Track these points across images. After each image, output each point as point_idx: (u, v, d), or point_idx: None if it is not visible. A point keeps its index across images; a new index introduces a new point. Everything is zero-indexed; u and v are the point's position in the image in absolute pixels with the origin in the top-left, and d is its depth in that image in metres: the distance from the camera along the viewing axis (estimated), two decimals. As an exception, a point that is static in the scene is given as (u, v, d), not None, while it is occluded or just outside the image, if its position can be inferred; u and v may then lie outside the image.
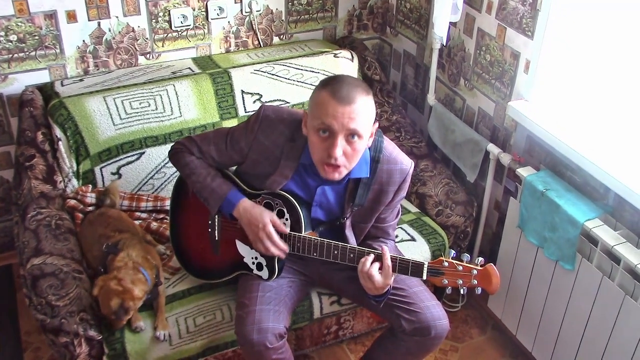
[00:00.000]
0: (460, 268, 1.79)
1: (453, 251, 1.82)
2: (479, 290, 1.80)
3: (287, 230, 1.95)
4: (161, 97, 2.59)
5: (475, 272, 1.78)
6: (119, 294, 1.97)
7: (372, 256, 1.86)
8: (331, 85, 1.78)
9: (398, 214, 2.12)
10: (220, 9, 2.85)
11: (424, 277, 1.83)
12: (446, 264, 1.80)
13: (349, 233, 2.04)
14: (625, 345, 2.03)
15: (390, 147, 1.98)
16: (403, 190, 2.02)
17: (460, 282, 1.80)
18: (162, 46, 2.83)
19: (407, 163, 2.00)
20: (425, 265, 1.82)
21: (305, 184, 1.98)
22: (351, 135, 1.77)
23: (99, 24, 2.66)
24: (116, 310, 1.97)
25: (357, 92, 1.77)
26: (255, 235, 1.95)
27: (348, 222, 2.02)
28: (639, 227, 2.06)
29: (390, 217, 2.08)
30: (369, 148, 1.92)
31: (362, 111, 1.76)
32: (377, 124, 1.87)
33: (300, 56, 2.86)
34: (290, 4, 2.99)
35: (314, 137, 1.80)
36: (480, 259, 1.80)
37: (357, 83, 1.82)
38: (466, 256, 1.80)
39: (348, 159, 1.81)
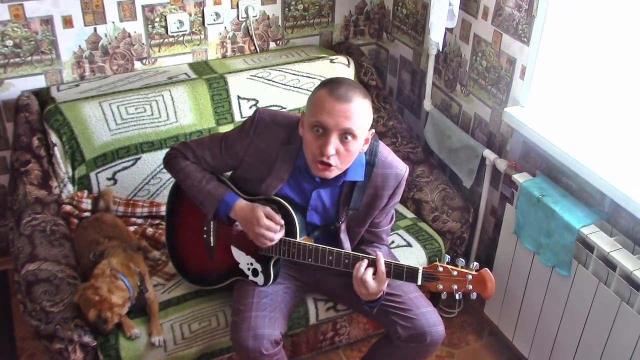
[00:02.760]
0: (455, 273, 1.79)
1: (448, 256, 1.82)
2: (474, 296, 1.80)
3: (282, 221, 1.93)
4: (157, 102, 2.58)
5: (470, 277, 1.78)
6: (96, 303, 1.96)
7: (366, 261, 1.86)
8: (330, 84, 1.80)
9: (392, 219, 2.12)
10: (217, 14, 2.85)
11: (419, 283, 1.83)
12: (441, 269, 1.80)
13: (344, 237, 2.03)
14: (622, 352, 2.03)
15: (385, 152, 1.98)
16: (397, 195, 2.02)
17: (455, 287, 1.79)
18: (159, 51, 2.83)
19: (402, 168, 2.00)
20: (420, 271, 1.81)
21: (300, 187, 1.98)
22: (345, 134, 1.77)
23: (95, 29, 2.66)
24: (94, 321, 1.97)
25: (354, 93, 1.78)
26: (253, 232, 1.93)
27: (343, 226, 2.02)
28: (634, 234, 2.06)
29: (384, 221, 2.08)
30: (364, 152, 1.92)
31: (358, 111, 1.77)
32: (372, 130, 1.88)
33: (296, 62, 2.86)
34: (286, 9, 2.99)
35: (309, 134, 1.81)
36: (476, 263, 1.80)
37: (357, 85, 1.84)
38: (461, 261, 1.80)
39: (340, 159, 1.81)
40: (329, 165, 1.80)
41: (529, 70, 2.33)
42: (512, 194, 2.43)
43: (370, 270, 1.85)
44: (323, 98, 1.77)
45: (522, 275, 2.40)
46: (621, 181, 2.02)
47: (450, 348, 2.66)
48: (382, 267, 1.83)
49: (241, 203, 1.97)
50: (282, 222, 1.93)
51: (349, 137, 1.78)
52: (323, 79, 2.76)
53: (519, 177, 2.35)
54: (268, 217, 1.91)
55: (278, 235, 1.92)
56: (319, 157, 1.79)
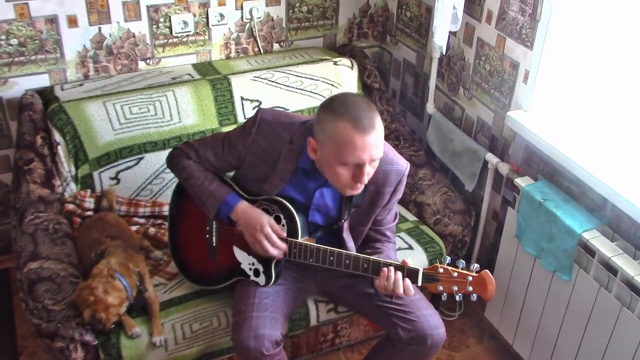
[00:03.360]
0: (456, 274, 1.79)
1: (448, 258, 1.82)
2: (474, 297, 1.80)
3: (284, 234, 1.94)
4: (161, 102, 2.59)
5: (470, 278, 1.78)
6: (91, 304, 1.97)
7: (392, 268, 1.86)
8: (348, 114, 1.72)
9: (396, 216, 2.13)
10: (221, 15, 2.86)
11: (419, 284, 1.83)
12: (441, 270, 1.80)
13: (347, 236, 2.04)
14: (622, 357, 2.03)
15: (386, 149, 1.97)
16: (399, 191, 2.02)
17: (456, 288, 1.79)
18: (163, 52, 2.83)
19: (402, 164, 2.00)
20: (421, 272, 1.82)
21: (303, 186, 1.98)
22: (376, 158, 1.79)
23: (99, 29, 2.67)
24: (89, 321, 1.97)
25: (373, 114, 1.75)
26: (253, 237, 1.94)
27: (345, 225, 2.02)
28: (636, 239, 2.06)
29: (387, 219, 2.08)
30: None
31: (381, 131, 1.76)
32: None
33: (300, 63, 2.87)
34: (290, 11, 3.00)
35: (338, 168, 1.79)
36: (476, 265, 1.80)
37: (365, 101, 1.80)
38: (462, 263, 1.80)
39: (369, 177, 1.82)
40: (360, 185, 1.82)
41: (532, 74, 2.34)
42: (514, 197, 2.44)
43: (400, 274, 1.85)
44: (350, 135, 1.71)
45: (523, 279, 2.40)
46: (623, 186, 2.02)
47: (450, 351, 2.66)
48: (391, 277, 1.84)
49: (243, 205, 1.98)
50: (285, 234, 1.94)
51: (378, 159, 1.80)
52: (326, 80, 2.81)
53: (521, 181, 2.35)
54: (272, 228, 1.93)
55: (273, 250, 1.93)
56: (353, 184, 1.81)
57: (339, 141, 1.74)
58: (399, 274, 1.83)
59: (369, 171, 1.80)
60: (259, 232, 1.92)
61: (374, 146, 1.75)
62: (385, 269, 1.85)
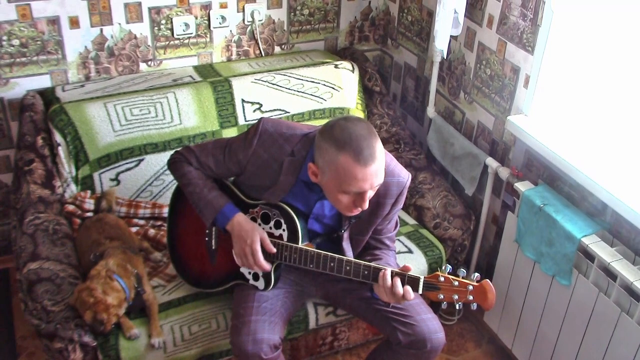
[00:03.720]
0: (457, 283, 1.79)
1: (449, 266, 1.82)
2: (474, 306, 1.80)
3: (274, 250, 1.96)
4: (162, 104, 2.59)
5: (471, 287, 1.78)
6: (91, 305, 1.97)
7: (389, 271, 1.85)
8: (349, 145, 1.70)
9: (396, 225, 2.13)
10: (223, 17, 2.86)
11: (420, 292, 1.82)
12: (442, 278, 1.80)
13: (347, 245, 2.04)
14: (621, 362, 2.03)
15: (387, 160, 1.97)
16: (400, 202, 2.02)
17: (456, 297, 1.79)
18: (164, 54, 2.84)
19: (404, 176, 2.00)
20: (422, 280, 1.81)
21: (304, 197, 1.98)
22: (377, 185, 1.80)
23: (101, 30, 2.67)
24: (91, 323, 1.98)
25: (374, 144, 1.73)
26: (241, 249, 1.96)
27: (345, 235, 2.02)
28: (635, 244, 2.06)
29: (387, 228, 2.08)
30: None
31: (382, 159, 1.76)
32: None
33: (301, 66, 2.87)
34: (292, 14, 3.00)
35: (339, 196, 1.79)
36: (477, 274, 1.80)
37: (365, 129, 1.74)
38: (462, 271, 1.80)
39: (369, 197, 1.83)
40: None
41: (533, 79, 2.34)
42: (513, 202, 2.44)
43: (399, 280, 1.84)
44: (351, 167, 1.71)
45: (522, 284, 2.40)
46: (623, 192, 2.02)
47: (449, 355, 2.65)
48: (388, 283, 1.83)
49: (239, 217, 1.98)
50: (274, 250, 1.96)
51: (378, 185, 1.80)
52: (327, 83, 2.81)
53: (521, 186, 2.35)
54: (263, 243, 1.94)
55: (255, 268, 1.96)
56: (353, 208, 1.82)
57: (340, 172, 1.74)
58: (398, 279, 1.83)
59: (370, 195, 1.81)
60: (247, 246, 1.94)
61: (375, 176, 1.75)
62: (382, 274, 1.84)
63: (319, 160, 1.79)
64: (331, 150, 1.74)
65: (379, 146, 1.74)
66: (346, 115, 1.89)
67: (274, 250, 1.95)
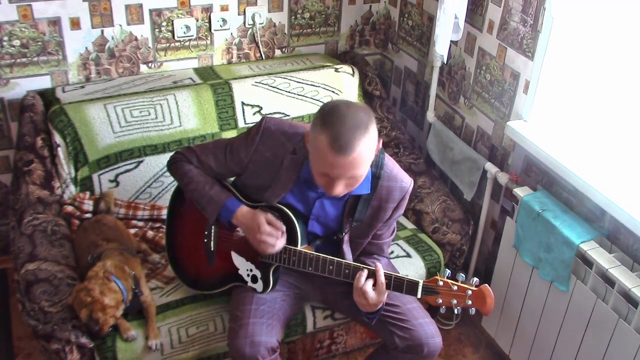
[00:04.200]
0: (455, 288, 1.79)
1: (448, 270, 1.82)
2: (472, 311, 1.80)
3: (283, 227, 1.93)
4: (161, 106, 2.60)
5: (470, 292, 1.78)
6: (88, 304, 1.97)
7: (366, 272, 1.86)
8: (331, 128, 1.66)
9: (393, 231, 2.13)
10: (224, 20, 2.86)
11: (419, 296, 1.82)
12: (441, 283, 1.80)
13: (347, 248, 2.03)
14: (618, 369, 2.03)
15: (390, 164, 1.98)
16: (401, 207, 2.02)
17: (455, 302, 1.79)
18: (165, 56, 2.84)
19: (407, 181, 2.00)
20: (420, 284, 1.82)
21: (304, 196, 1.98)
22: (351, 178, 1.76)
23: (102, 31, 2.68)
24: (87, 322, 1.97)
25: (356, 137, 1.66)
26: (255, 239, 1.93)
27: (346, 237, 2.02)
28: (634, 251, 2.06)
29: (386, 233, 2.08)
30: (370, 166, 1.91)
31: (363, 157, 1.70)
32: (381, 141, 1.80)
33: (301, 70, 2.87)
34: (293, 17, 3.01)
35: (316, 174, 1.78)
36: (475, 279, 1.80)
37: (358, 121, 1.68)
38: (461, 276, 1.80)
39: (349, 188, 1.81)
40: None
41: (533, 84, 2.34)
42: (512, 207, 2.44)
43: (370, 282, 1.85)
44: (324, 150, 1.67)
45: (520, 289, 2.40)
46: (622, 198, 2.02)
47: (446, 360, 2.66)
48: (382, 279, 1.84)
49: (243, 209, 1.98)
50: (284, 228, 1.94)
51: (355, 178, 1.77)
52: (328, 87, 2.81)
53: (520, 191, 2.35)
54: (269, 223, 1.92)
55: (280, 242, 1.92)
56: (328, 190, 1.79)
57: (317, 150, 1.72)
58: (370, 280, 1.84)
59: (347, 184, 1.77)
60: (257, 233, 1.91)
61: (347, 168, 1.70)
62: (358, 274, 1.85)
63: (311, 132, 1.77)
64: (317, 126, 1.71)
65: (363, 141, 1.67)
66: (353, 102, 1.86)
67: (283, 227, 1.93)
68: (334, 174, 1.72)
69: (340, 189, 1.76)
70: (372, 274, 1.86)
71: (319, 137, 1.69)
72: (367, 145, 1.70)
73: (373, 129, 1.72)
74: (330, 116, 1.69)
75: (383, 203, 1.97)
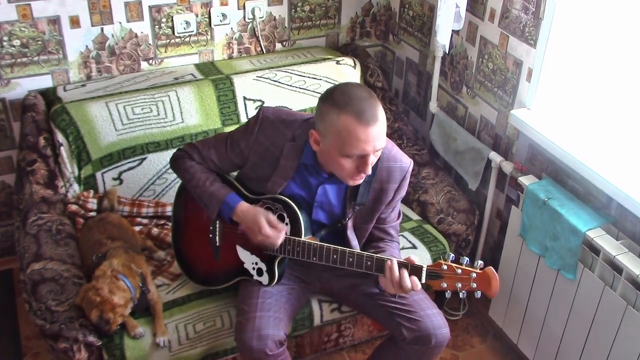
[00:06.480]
0: (459, 271, 1.78)
1: (452, 255, 1.81)
2: (478, 294, 1.79)
3: (285, 228, 1.94)
4: (163, 103, 2.59)
5: (474, 275, 1.76)
6: (98, 304, 1.97)
7: (395, 262, 1.84)
8: (350, 107, 1.71)
9: (399, 215, 2.12)
10: (223, 15, 2.85)
11: (423, 280, 1.82)
12: (445, 267, 1.79)
13: (351, 235, 2.03)
14: (627, 356, 2.02)
15: (389, 145, 1.97)
16: (403, 188, 2.01)
17: (459, 285, 1.78)
18: (165, 52, 2.83)
19: (406, 161, 2.00)
20: (424, 268, 1.81)
21: (306, 183, 1.98)
22: (379, 149, 1.78)
23: (102, 29, 2.67)
24: (97, 322, 1.98)
25: (374, 106, 1.73)
26: (256, 239, 1.94)
27: (350, 223, 2.02)
28: (641, 237, 2.05)
29: (391, 217, 2.08)
30: None
31: (383, 121, 1.75)
32: None
33: (302, 63, 2.86)
34: (293, 10, 3.00)
35: (341, 160, 1.78)
36: (480, 262, 1.78)
37: (366, 92, 1.76)
38: (465, 260, 1.79)
39: (372, 164, 1.82)
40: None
41: (536, 72, 2.33)
42: (517, 196, 2.43)
43: (406, 272, 1.83)
44: (353, 127, 1.70)
45: (527, 278, 2.39)
46: (628, 184, 2.01)
47: (454, 350, 2.65)
48: (396, 274, 1.82)
49: (242, 206, 1.97)
50: (286, 228, 1.94)
51: (381, 148, 1.79)
52: (329, 80, 2.80)
53: (525, 180, 2.34)
54: (270, 224, 1.92)
55: (280, 238, 1.92)
56: (357, 175, 1.80)
57: (342, 134, 1.73)
58: (405, 270, 1.82)
59: (372, 160, 1.80)
60: (258, 233, 1.92)
61: (377, 138, 1.74)
62: (389, 264, 1.83)
63: (320, 125, 1.79)
64: (332, 113, 1.73)
65: (380, 109, 1.74)
66: (346, 82, 1.89)
67: (285, 228, 1.94)
68: (367, 149, 1.74)
69: (370, 166, 1.78)
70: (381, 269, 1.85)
71: (341, 120, 1.71)
72: (382, 110, 1.76)
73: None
74: (343, 97, 1.74)
75: (384, 184, 1.97)
